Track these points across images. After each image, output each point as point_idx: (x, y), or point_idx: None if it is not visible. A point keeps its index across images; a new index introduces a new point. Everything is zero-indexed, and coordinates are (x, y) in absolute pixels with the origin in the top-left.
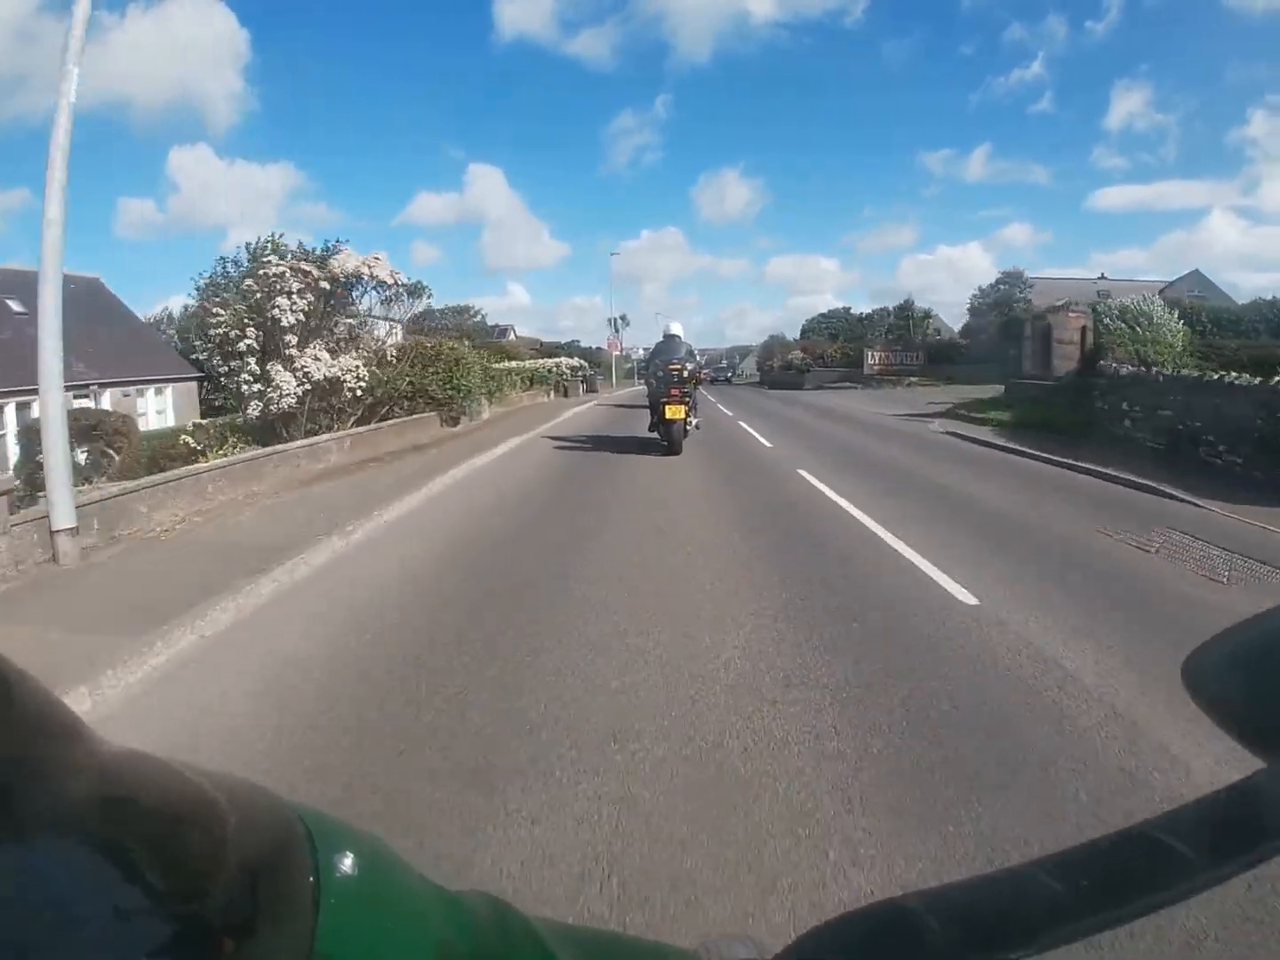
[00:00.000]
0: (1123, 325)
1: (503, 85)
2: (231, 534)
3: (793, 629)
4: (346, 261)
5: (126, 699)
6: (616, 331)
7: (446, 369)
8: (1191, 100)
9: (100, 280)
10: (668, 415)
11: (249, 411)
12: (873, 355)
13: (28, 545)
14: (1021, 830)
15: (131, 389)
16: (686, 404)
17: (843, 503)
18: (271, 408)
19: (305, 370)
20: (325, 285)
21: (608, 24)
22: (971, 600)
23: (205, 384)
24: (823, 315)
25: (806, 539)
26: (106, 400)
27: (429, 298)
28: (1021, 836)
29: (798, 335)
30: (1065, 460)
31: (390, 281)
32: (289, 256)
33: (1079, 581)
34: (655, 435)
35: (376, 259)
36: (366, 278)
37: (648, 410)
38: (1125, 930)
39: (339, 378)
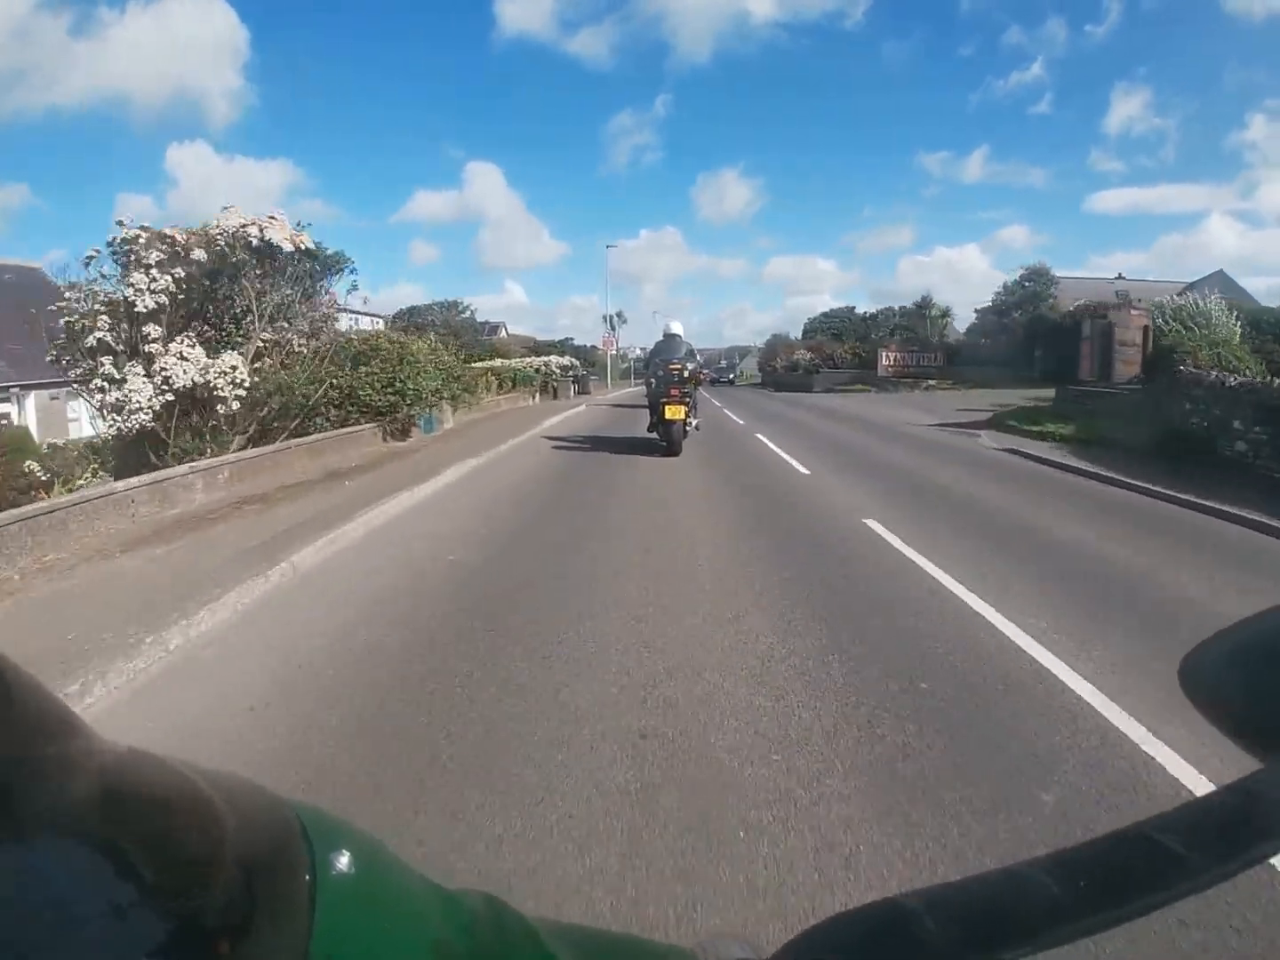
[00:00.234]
0: (1179, 326)
1: (502, 84)
2: None
3: None
4: (227, 220)
5: None
6: (613, 329)
7: (387, 369)
8: (1190, 104)
9: (42, 270)
10: (667, 415)
11: (105, 427)
12: (887, 356)
13: None
14: None
15: (61, 392)
16: (686, 404)
17: (997, 622)
18: (127, 424)
19: (166, 373)
20: (200, 255)
21: (607, 23)
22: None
23: None
24: (825, 314)
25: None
26: (31, 405)
27: (352, 274)
28: None
29: (799, 335)
30: (1185, 497)
31: (290, 247)
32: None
33: None
34: (654, 435)
35: (272, 219)
36: (256, 242)
37: (644, 416)
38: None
39: (211, 383)
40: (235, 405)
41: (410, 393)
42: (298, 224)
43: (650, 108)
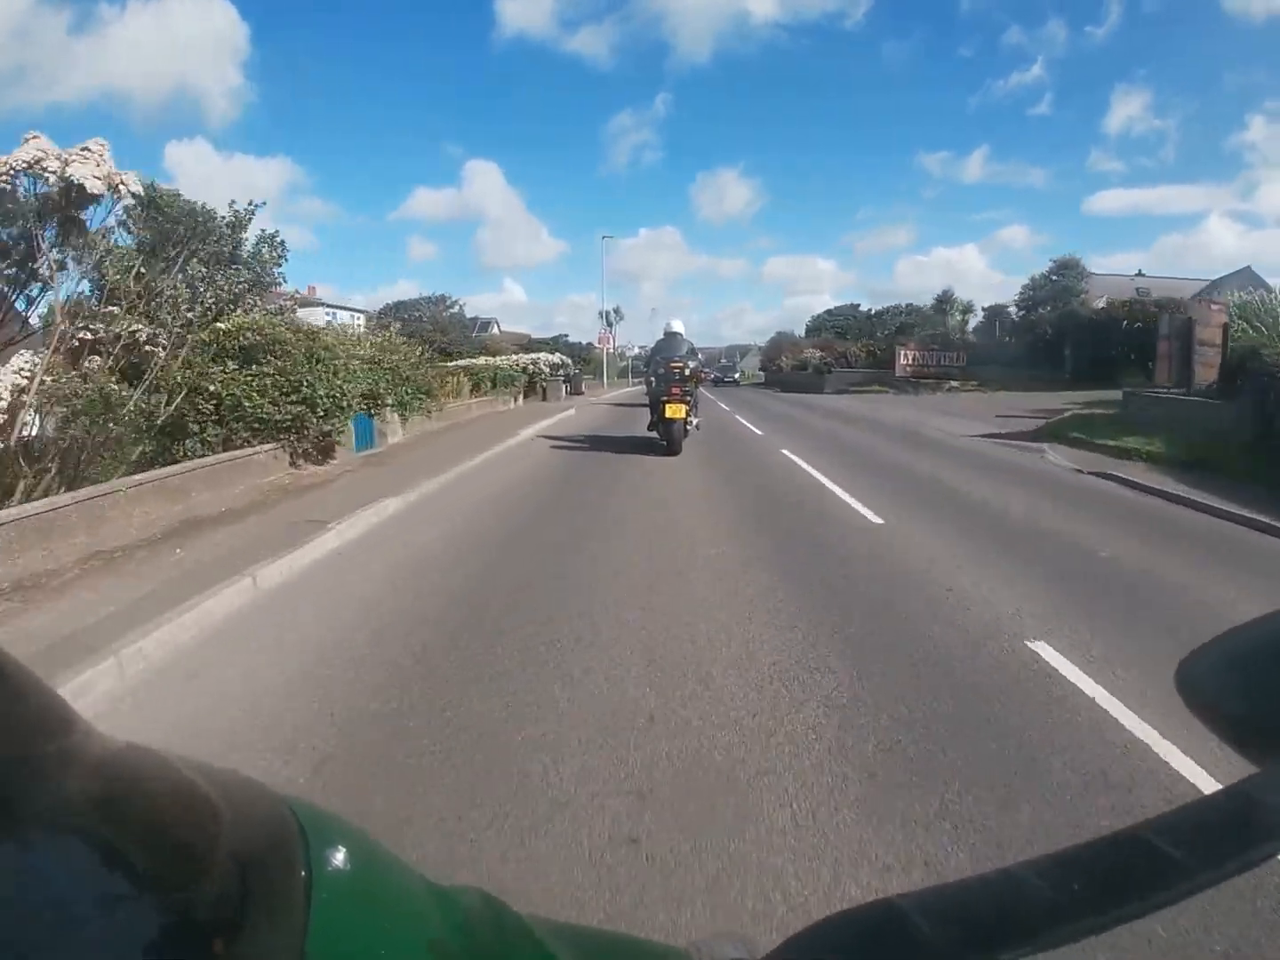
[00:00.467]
0: (1245, 325)
1: (502, 82)
2: None
3: None
4: (19, 155)
5: None
6: (609, 325)
7: (290, 369)
8: (1190, 105)
9: None
10: (668, 414)
11: None
12: (905, 355)
13: None
14: None
15: None
16: (687, 403)
17: None
18: None
19: None
20: None
21: (607, 22)
22: None
23: None
24: (829, 312)
25: None
26: None
27: (276, 250)
28: None
29: (800, 334)
30: None
31: (103, 189)
32: None
33: None
34: (655, 435)
35: (86, 150)
36: (53, 181)
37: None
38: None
39: None
40: None
41: (323, 400)
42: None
43: (650, 107)
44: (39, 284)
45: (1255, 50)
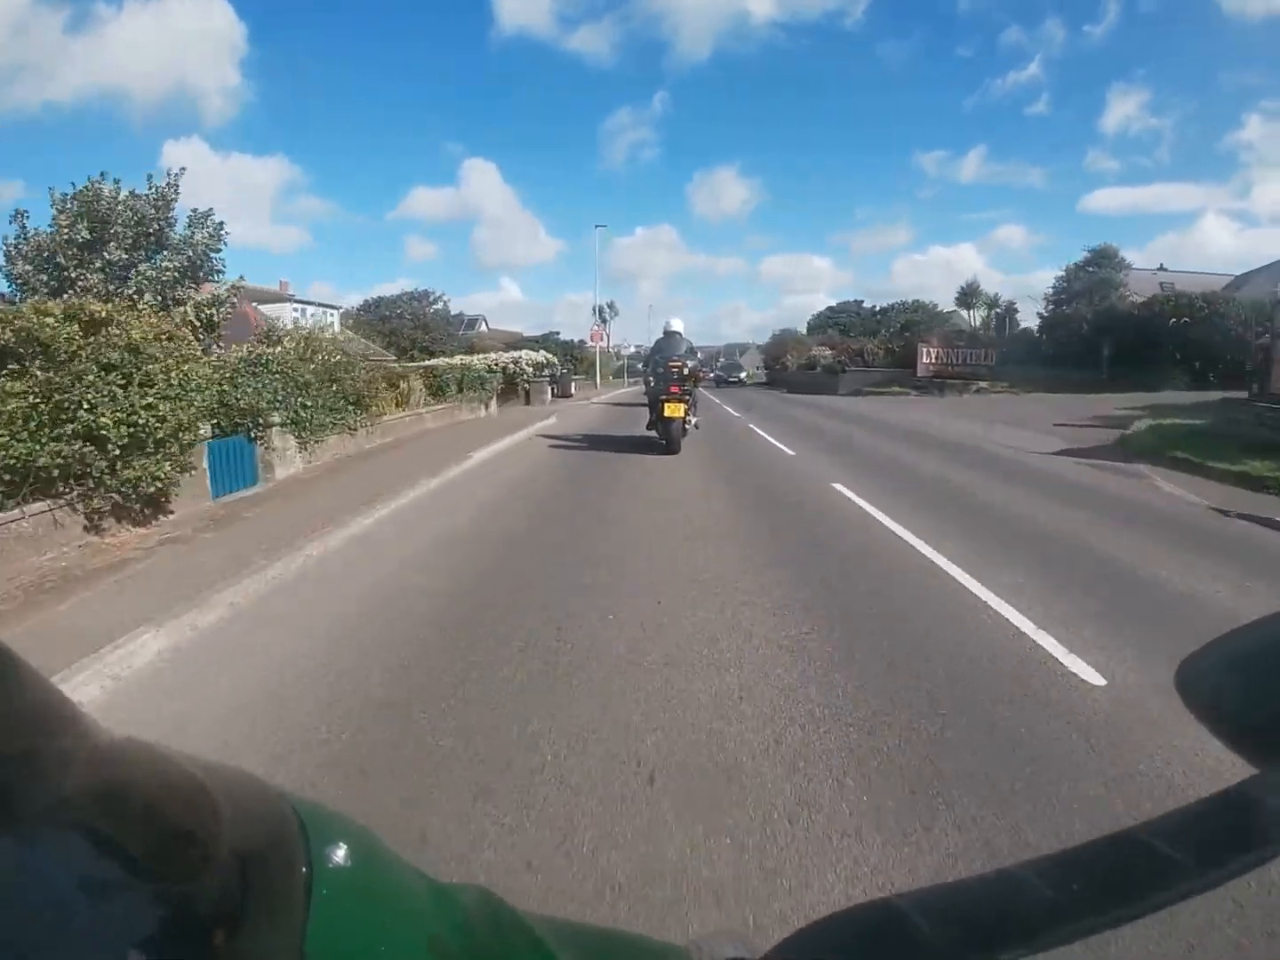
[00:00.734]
0: None
1: (500, 81)
2: None
3: None
4: None
5: None
6: (603, 321)
7: (52, 385)
8: (1186, 104)
9: None
10: (666, 413)
11: None
12: (927, 353)
13: None
14: None
15: None
16: (686, 402)
17: None
18: None
19: None
20: None
21: (606, 21)
22: None
23: None
24: (832, 309)
25: None
26: None
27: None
28: None
29: (802, 331)
30: None
31: None
32: None
33: None
34: (654, 433)
35: None
36: None
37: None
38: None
39: None
40: None
41: (115, 431)
42: None
43: (648, 106)
44: None
45: (1252, 49)
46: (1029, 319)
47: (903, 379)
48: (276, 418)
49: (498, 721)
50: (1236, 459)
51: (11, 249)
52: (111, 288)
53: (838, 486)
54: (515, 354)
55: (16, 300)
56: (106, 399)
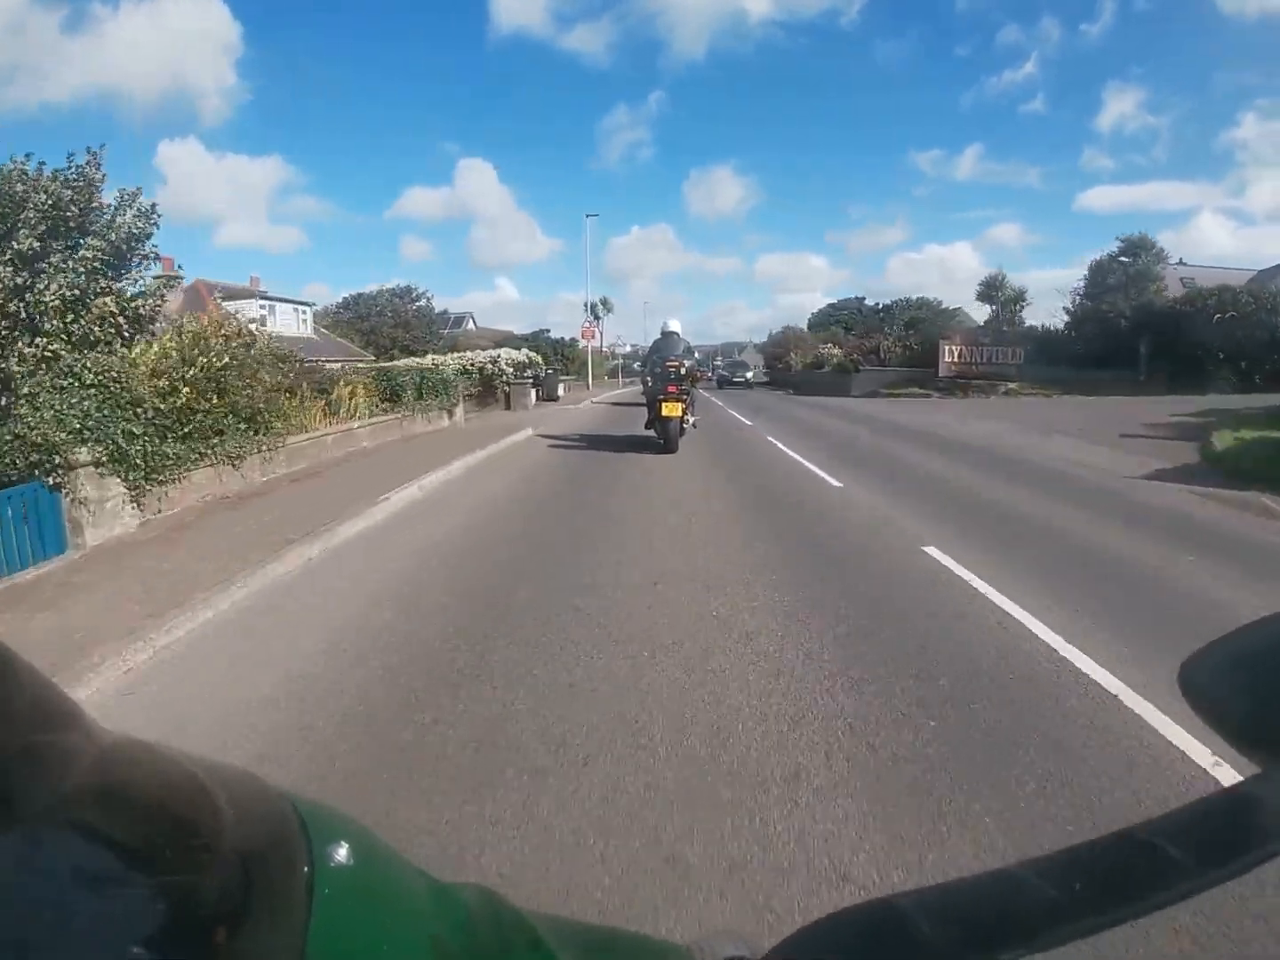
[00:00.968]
0: None
1: (496, 81)
2: None
3: None
4: None
5: None
6: (596, 318)
7: None
8: (1182, 103)
9: None
10: (664, 413)
11: None
12: (949, 351)
13: None
14: None
15: None
16: (684, 401)
17: None
18: None
19: None
20: None
21: (604, 20)
22: None
23: None
24: (832, 306)
25: None
26: None
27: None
28: None
29: (804, 329)
30: None
31: None
32: None
33: None
34: (652, 433)
35: None
36: None
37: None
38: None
39: None
40: None
41: None
42: None
43: (644, 105)
44: None
45: (1248, 48)
46: (1034, 316)
47: (922, 379)
48: (85, 454)
49: None
50: None
51: None
52: (21, 280)
53: (932, 552)
54: (493, 353)
55: None
56: None
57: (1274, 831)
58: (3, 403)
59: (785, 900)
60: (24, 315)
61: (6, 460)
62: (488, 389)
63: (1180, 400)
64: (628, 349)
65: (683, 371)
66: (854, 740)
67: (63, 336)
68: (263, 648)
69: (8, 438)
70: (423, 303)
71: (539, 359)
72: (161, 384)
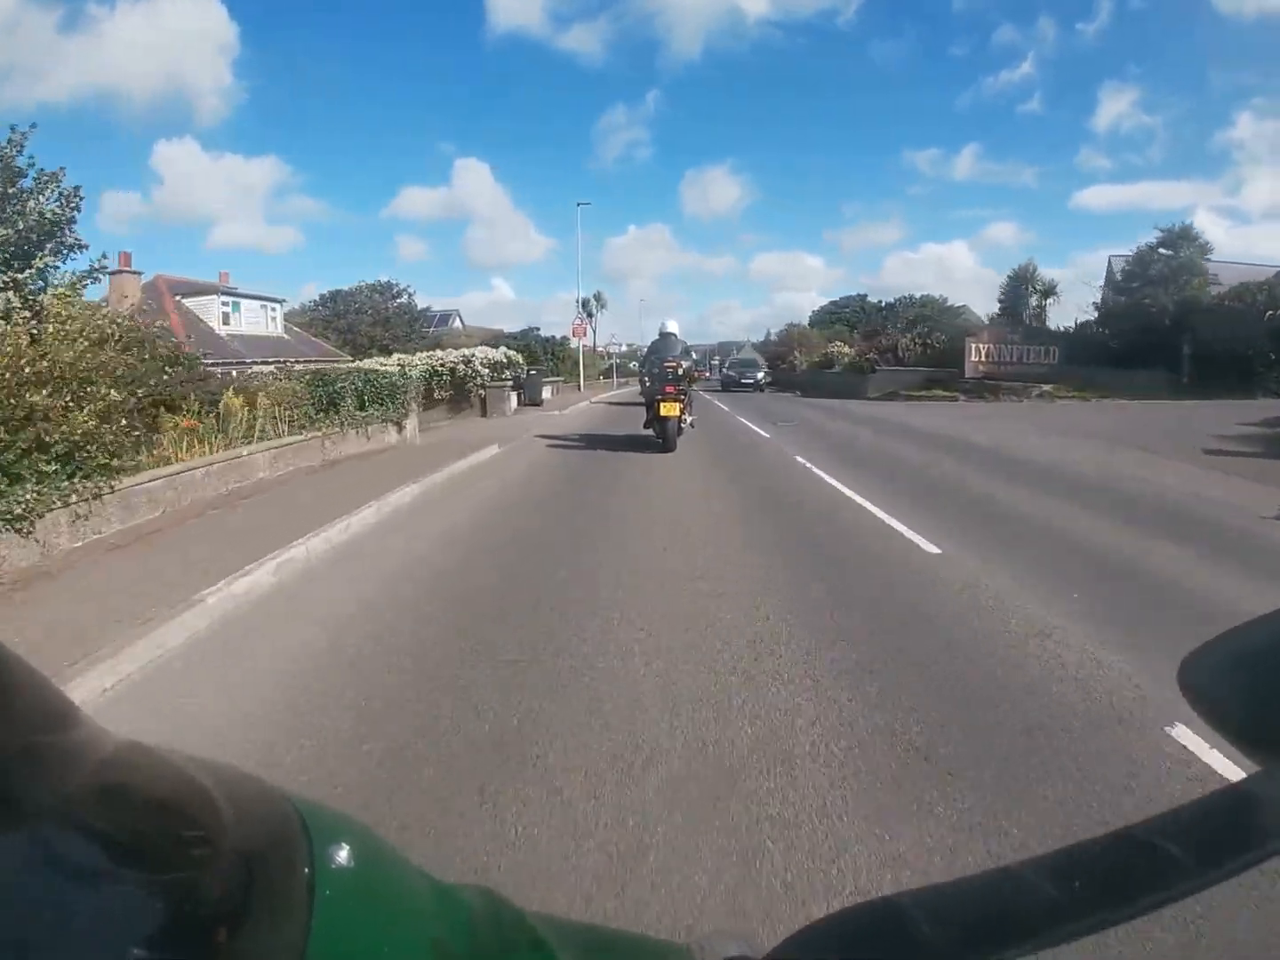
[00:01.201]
0: None
1: (492, 80)
2: None
3: None
4: None
5: None
6: (590, 314)
7: None
8: (1178, 102)
9: None
10: (662, 412)
11: None
12: (976, 349)
13: None
14: None
15: None
16: (681, 401)
17: None
18: None
19: None
20: None
21: (600, 20)
22: None
23: None
24: (834, 303)
25: None
26: None
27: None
28: None
29: (806, 326)
30: None
31: None
32: None
33: None
34: (650, 432)
35: None
36: None
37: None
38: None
39: None
40: None
41: None
42: None
43: (641, 105)
44: None
45: (1245, 48)
46: (1053, 311)
47: (945, 380)
48: None
49: None
50: None
51: None
52: None
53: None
54: (466, 352)
55: None
56: None
57: (1274, 830)
58: None
59: None
60: None
61: None
62: (460, 393)
63: (1233, 406)
64: (623, 348)
65: (680, 372)
66: None
67: None
68: None
69: None
70: (404, 299)
71: (519, 358)
72: None
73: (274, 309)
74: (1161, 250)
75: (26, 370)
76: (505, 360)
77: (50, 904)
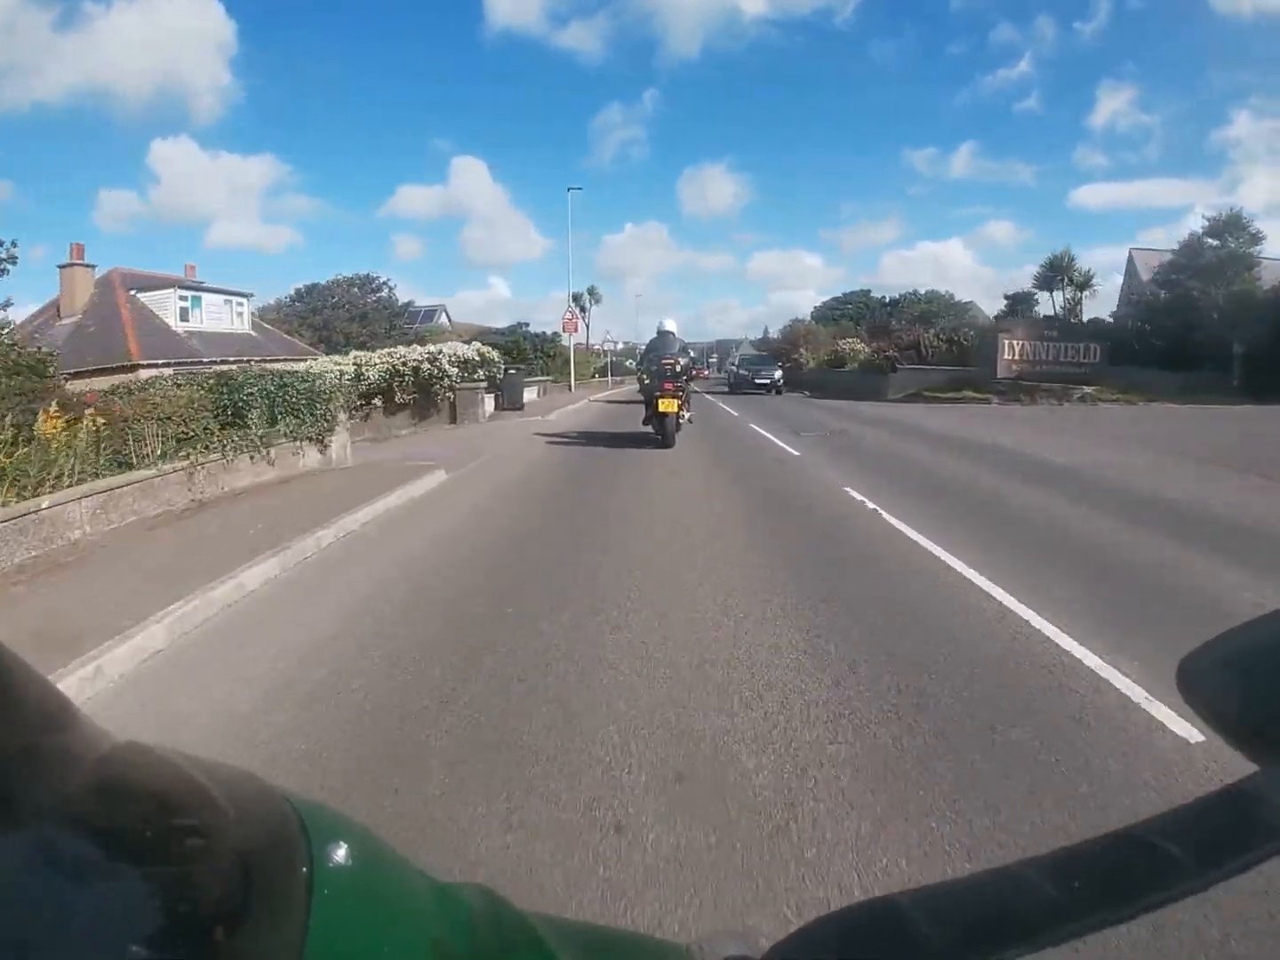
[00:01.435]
0: None
1: (490, 79)
2: None
3: None
4: None
5: None
6: (582, 309)
7: None
8: (1175, 101)
9: None
10: (661, 409)
11: None
12: (1010, 347)
13: None
14: None
15: None
16: (679, 398)
17: None
18: None
19: None
20: None
21: (598, 18)
22: None
23: None
24: (837, 299)
25: None
26: None
27: None
28: None
29: (809, 323)
30: None
31: None
32: None
33: None
34: (650, 429)
35: None
36: None
37: None
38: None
39: None
40: None
41: None
42: None
43: (638, 103)
44: None
45: (1242, 47)
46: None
47: (975, 380)
48: None
49: None
50: None
51: None
52: None
53: None
54: (434, 348)
55: None
56: None
57: (1274, 830)
58: None
59: None
60: None
61: None
62: (426, 396)
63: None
64: (620, 346)
65: (678, 369)
66: None
67: None
68: None
69: None
70: (384, 293)
71: (495, 355)
72: None
73: (240, 304)
74: (1210, 241)
75: None
76: (479, 358)
77: (49, 903)
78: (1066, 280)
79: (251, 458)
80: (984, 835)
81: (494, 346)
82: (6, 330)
